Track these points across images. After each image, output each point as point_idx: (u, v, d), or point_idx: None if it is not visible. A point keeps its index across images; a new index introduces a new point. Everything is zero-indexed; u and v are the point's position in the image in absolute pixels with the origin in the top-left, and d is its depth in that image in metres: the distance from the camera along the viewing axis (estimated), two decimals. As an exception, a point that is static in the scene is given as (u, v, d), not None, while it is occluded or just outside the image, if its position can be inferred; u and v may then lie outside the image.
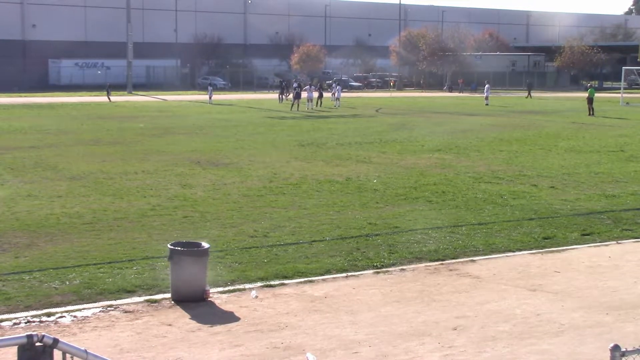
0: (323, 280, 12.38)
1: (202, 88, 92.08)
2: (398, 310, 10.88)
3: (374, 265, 13.26)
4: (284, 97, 66.84)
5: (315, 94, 62.11)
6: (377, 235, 15.54)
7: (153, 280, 12.13)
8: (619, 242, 15.36)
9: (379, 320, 10.43)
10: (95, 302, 11.12)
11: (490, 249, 14.56)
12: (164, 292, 11.46)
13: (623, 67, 72.78)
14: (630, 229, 16.41)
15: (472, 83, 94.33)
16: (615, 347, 5.30)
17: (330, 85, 72.66)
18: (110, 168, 24.54)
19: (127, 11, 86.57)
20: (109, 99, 66.99)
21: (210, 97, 65.91)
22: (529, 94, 78.79)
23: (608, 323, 10.42)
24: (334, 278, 12.50)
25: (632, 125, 43.08)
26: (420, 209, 18.39)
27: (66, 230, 15.71)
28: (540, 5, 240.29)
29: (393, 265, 13.34)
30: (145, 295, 11.43)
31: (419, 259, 13.78)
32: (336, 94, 63.54)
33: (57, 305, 10.95)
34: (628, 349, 5.31)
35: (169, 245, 11.41)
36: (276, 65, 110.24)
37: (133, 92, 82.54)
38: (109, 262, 13.18)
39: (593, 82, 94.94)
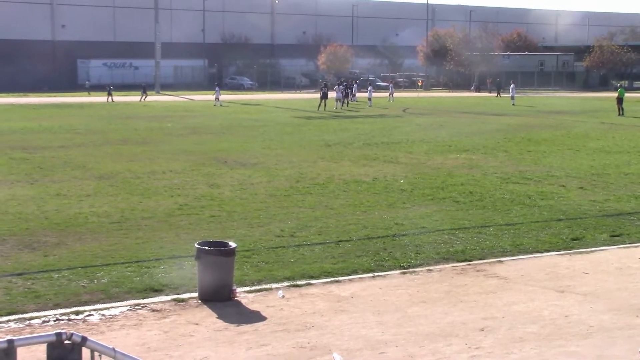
0: (349, 280, 12.36)
1: (230, 88, 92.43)
2: (425, 311, 10.85)
3: (400, 266, 13.23)
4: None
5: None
6: (404, 235, 15.50)
7: (180, 279, 12.18)
8: (649, 243, 15.20)
9: (405, 321, 10.40)
10: (123, 300, 11.18)
11: (518, 250, 14.47)
12: (191, 292, 11.49)
13: (653, 67, 72.02)
14: (660, 230, 16.23)
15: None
16: (645, 350, 5.24)
17: (349, 86, 72.38)
18: (138, 167, 24.68)
19: (155, 11, 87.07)
20: (111, 99, 65.67)
21: (217, 99, 61.92)
22: (499, 93, 79.35)
23: (638, 325, 10.31)
24: (360, 278, 12.48)
25: (663, 126, 42.65)
26: (448, 209, 18.31)
27: (94, 229, 15.82)
28: (569, 4, 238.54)
29: (420, 265, 13.29)
30: (173, 295, 11.47)
31: (446, 260, 13.72)
32: (368, 94, 63.78)
33: (86, 303, 11.03)
34: (658, 352, 5.25)
35: (196, 245, 11.43)
36: (303, 65, 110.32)
37: (161, 92, 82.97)
38: (137, 261, 13.25)
39: (623, 82, 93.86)
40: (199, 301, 11.15)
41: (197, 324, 10.25)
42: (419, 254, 14.03)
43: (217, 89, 65.11)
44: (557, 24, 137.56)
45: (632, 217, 17.54)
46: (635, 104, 60.79)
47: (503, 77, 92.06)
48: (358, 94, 69.64)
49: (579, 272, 13.03)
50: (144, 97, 68.91)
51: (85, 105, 60.05)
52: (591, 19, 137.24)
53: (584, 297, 11.56)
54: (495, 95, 79.97)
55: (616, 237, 15.59)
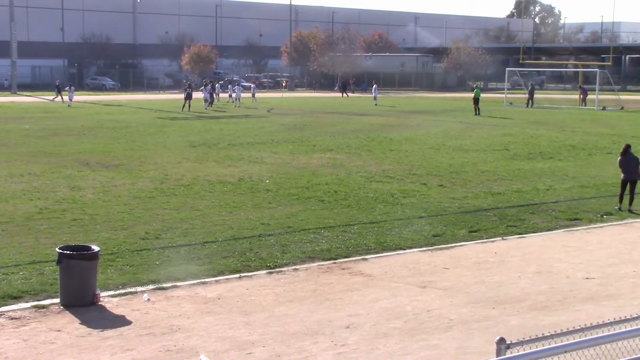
0: (216, 281, 12.33)
1: (91, 88, 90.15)
2: (291, 310, 10.94)
3: (267, 266, 13.29)
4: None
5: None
6: (270, 235, 15.58)
7: (41, 285, 11.83)
8: (504, 238, 15.86)
9: (272, 321, 10.46)
10: (-21, 309, 10.76)
11: (382, 247, 14.79)
12: (53, 297, 11.19)
13: (506, 69, 75.08)
14: (514, 225, 16.96)
15: (362, 83, 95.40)
16: (501, 340, 5.47)
17: (223, 86, 72.14)
18: (-6, 171, 23.75)
19: (10, 9, 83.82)
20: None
21: (70, 99, 60.23)
22: (345, 92, 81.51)
23: (494, 317, 10.75)
24: (227, 279, 12.47)
25: (516, 125, 44.45)
26: (313, 208, 18.52)
27: (-53, 235, 15.14)
28: (428, 7, 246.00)
29: (286, 265, 13.40)
30: (33, 301, 11.13)
31: (311, 259, 13.88)
32: (235, 94, 63.41)
33: (-61, 313, 10.55)
34: (513, 342, 5.49)
35: (57, 249, 11.15)
36: (166, 65, 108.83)
37: (18, 93, 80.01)
38: (-6, 268, 12.78)
39: (479, 83, 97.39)
40: (61, 307, 10.86)
41: (59, 330, 9.98)
42: (285, 253, 14.13)
43: (69, 88, 62.60)
44: (416, 26, 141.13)
45: (488, 213, 18.25)
46: (490, 104, 63.10)
47: (365, 78, 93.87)
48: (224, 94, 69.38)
49: (440, 267, 13.45)
50: (58, 96, 66.32)
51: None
52: (448, 21, 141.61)
53: (445, 292, 11.94)
54: (342, 95, 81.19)
55: (474, 233, 16.20)
